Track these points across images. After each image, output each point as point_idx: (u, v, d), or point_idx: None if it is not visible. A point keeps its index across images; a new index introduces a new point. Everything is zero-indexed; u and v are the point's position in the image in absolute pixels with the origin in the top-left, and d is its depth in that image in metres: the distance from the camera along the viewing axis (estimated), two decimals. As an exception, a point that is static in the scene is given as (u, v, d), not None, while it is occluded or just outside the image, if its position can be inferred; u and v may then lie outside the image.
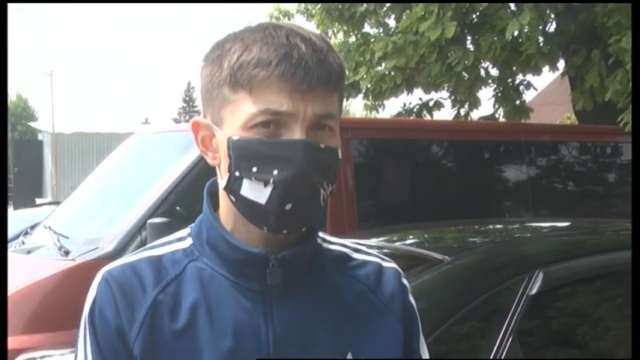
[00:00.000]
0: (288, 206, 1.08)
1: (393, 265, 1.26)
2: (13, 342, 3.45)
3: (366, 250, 1.27)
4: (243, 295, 1.14)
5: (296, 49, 1.08)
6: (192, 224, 1.22)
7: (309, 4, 8.63)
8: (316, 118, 1.09)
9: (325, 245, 1.24)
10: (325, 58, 1.10)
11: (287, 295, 1.15)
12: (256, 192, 1.09)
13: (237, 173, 1.10)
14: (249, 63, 1.08)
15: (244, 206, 1.11)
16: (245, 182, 1.09)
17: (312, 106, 1.08)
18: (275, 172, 1.07)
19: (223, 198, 1.17)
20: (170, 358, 1.11)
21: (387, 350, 1.19)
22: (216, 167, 1.17)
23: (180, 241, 1.20)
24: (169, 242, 1.20)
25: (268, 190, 1.08)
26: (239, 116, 1.09)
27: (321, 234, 1.24)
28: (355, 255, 1.25)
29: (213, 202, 1.19)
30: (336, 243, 1.26)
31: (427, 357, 1.27)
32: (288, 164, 1.07)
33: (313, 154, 1.08)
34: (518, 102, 8.16)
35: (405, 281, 1.25)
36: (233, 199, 1.12)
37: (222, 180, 1.14)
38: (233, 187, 1.11)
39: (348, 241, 1.28)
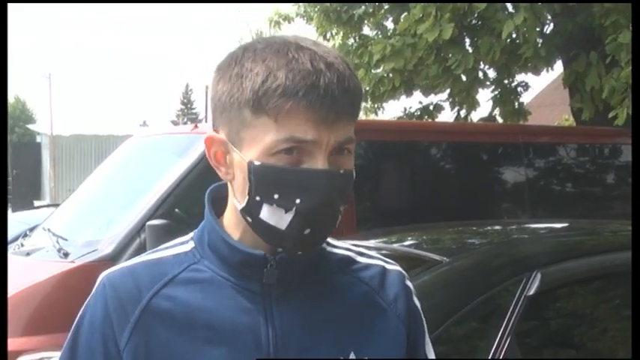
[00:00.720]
0: (307, 231, 1.10)
1: (397, 267, 1.27)
2: (12, 344, 3.45)
3: (370, 253, 1.28)
4: (243, 296, 1.15)
5: (322, 78, 1.07)
6: (196, 229, 1.23)
7: (307, 7, 8.63)
8: (338, 144, 1.10)
9: (329, 249, 1.25)
10: (349, 87, 1.10)
11: (287, 295, 1.16)
12: (276, 217, 1.09)
13: (257, 198, 1.10)
14: (275, 91, 1.07)
15: (262, 229, 1.12)
16: (265, 207, 1.10)
17: (335, 135, 1.09)
18: (298, 200, 1.08)
19: (231, 209, 1.18)
20: (165, 359, 1.12)
21: (390, 351, 1.19)
22: (229, 182, 1.17)
23: (183, 244, 1.21)
24: (172, 246, 1.22)
25: (289, 216, 1.09)
26: (261, 141, 1.09)
27: None
28: (359, 258, 1.26)
29: (215, 207, 1.20)
30: (340, 247, 1.27)
31: (433, 357, 1.27)
32: (311, 193, 1.08)
33: (334, 182, 1.09)
34: (516, 104, 8.16)
35: (409, 283, 1.26)
36: (250, 220, 1.13)
37: (238, 201, 1.14)
38: (252, 210, 1.11)
39: (352, 245, 1.29)
